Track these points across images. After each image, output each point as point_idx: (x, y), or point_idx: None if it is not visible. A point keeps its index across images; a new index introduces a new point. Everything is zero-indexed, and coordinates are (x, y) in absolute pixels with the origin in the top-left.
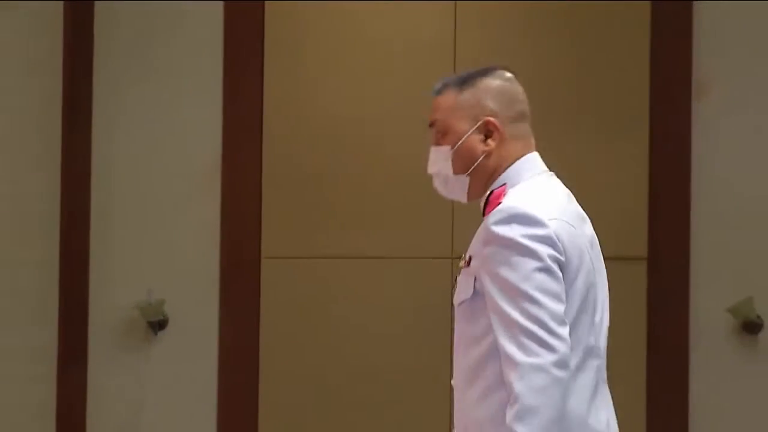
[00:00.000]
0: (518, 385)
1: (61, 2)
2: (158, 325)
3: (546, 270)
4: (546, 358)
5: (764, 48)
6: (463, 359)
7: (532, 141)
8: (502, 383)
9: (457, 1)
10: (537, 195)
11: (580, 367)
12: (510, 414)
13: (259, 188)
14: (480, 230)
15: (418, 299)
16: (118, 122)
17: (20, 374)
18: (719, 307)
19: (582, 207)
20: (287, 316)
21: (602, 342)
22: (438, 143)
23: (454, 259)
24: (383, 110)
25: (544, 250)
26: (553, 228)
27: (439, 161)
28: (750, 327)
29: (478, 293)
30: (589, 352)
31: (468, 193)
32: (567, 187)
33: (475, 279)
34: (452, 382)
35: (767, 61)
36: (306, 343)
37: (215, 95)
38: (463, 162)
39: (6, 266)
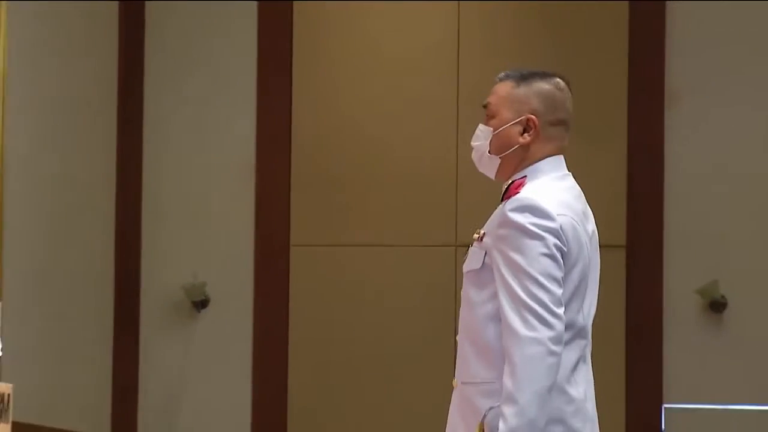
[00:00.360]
0: (517, 355)
1: (116, 2)
2: (201, 304)
3: (550, 257)
4: (544, 333)
5: (729, 53)
6: (467, 318)
7: (563, 144)
8: (499, 342)
9: (461, 2)
10: (550, 192)
11: (566, 345)
12: (508, 380)
13: (288, 184)
14: (497, 213)
15: (426, 281)
16: (166, 119)
17: (82, 344)
18: (689, 289)
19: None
20: (312, 296)
21: (589, 325)
22: (486, 122)
23: (458, 246)
24: (395, 110)
25: (550, 239)
26: (560, 222)
27: (481, 138)
28: (715, 306)
29: (486, 266)
30: (577, 333)
31: (496, 172)
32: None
33: (485, 254)
34: (457, 337)
35: (732, 68)
36: (329, 319)
37: (250, 95)
38: (499, 145)
39: (68, 253)
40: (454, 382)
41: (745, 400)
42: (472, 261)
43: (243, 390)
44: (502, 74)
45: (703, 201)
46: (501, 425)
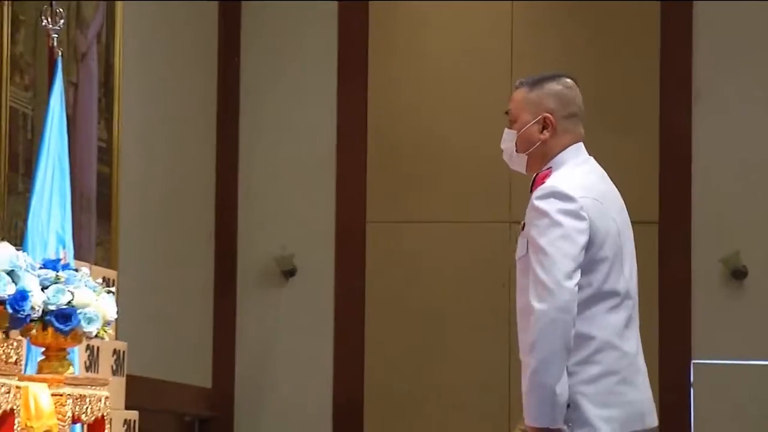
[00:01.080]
0: (531, 325)
1: (216, 2)
2: (289, 273)
3: (565, 236)
4: (550, 304)
5: (751, 50)
6: (519, 302)
7: (580, 133)
8: None
9: (513, 2)
10: (572, 177)
11: (616, 307)
12: (525, 348)
13: (364, 168)
14: (529, 204)
15: (483, 254)
16: (260, 109)
17: (187, 308)
18: (714, 259)
19: (613, 178)
20: (385, 267)
21: (633, 288)
22: (510, 127)
23: (512, 223)
24: (456, 99)
25: (570, 222)
26: (582, 203)
27: (508, 141)
28: (737, 274)
29: (528, 252)
30: (624, 297)
31: (526, 167)
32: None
33: (527, 241)
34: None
35: (754, 62)
36: (399, 285)
37: (331, 87)
38: (523, 144)
39: (175, 229)
40: (521, 356)
41: (762, 357)
42: (519, 249)
43: (326, 347)
44: (517, 82)
45: (726, 182)
46: (523, 386)
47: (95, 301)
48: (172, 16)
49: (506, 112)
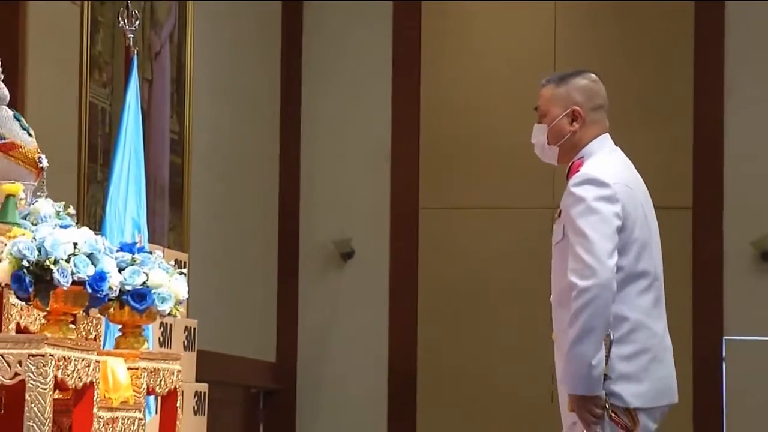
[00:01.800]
0: (573, 303)
1: (279, 2)
2: (347, 255)
3: (603, 220)
4: (592, 281)
5: None
6: (557, 284)
7: (606, 125)
8: None
9: (557, 2)
10: (605, 165)
11: (647, 289)
12: (569, 322)
13: (417, 158)
14: (566, 191)
15: (528, 238)
16: (320, 102)
17: (253, 288)
18: (745, 242)
19: (646, 170)
20: (437, 251)
21: (659, 270)
22: (539, 122)
23: (554, 209)
24: (503, 93)
25: (605, 206)
26: (615, 189)
27: (539, 135)
28: (766, 256)
29: (566, 237)
30: (654, 278)
31: (557, 158)
32: (638, 156)
33: (563, 227)
34: (550, 299)
35: None
36: (449, 266)
37: (386, 81)
38: (554, 137)
39: (241, 215)
40: (553, 335)
41: None
42: (556, 235)
43: (381, 325)
44: (544, 80)
45: (756, 169)
46: (565, 358)
47: (168, 281)
48: (239, 16)
49: (535, 109)
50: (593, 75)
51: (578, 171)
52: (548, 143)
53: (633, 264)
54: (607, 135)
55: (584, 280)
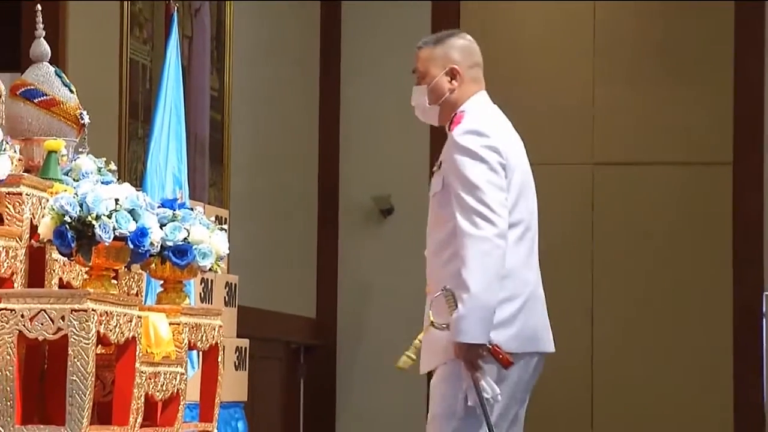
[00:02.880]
0: (468, 251)
1: (317, 2)
2: (387, 211)
3: (492, 169)
4: (489, 230)
5: None
6: (435, 234)
7: (483, 82)
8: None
9: (596, 2)
10: (486, 118)
11: (520, 237)
12: (463, 271)
13: None
14: (448, 141)
15: (567, 195)
16: (360, 60)
17: (292, 244)
18: None
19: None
20: None
21: (534, 221)
22: (418, 83)
23: (594, 165)
24: (543, 90)
25: (491, 155)
26: (497, 140)
27: (419, 96)
28: None
29: (446, 187)
30: (527, 228)
31: (438, 118)
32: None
33: (443, 178)
34: (425, 252)
35: None
36: None
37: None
38: (434, 96)
39: (282, 174)
40: (427, 288)
41: None
42: (435, 185)
43: (419, 281)
44: (420, 42)
45: None
46: (459, 307)
47: (209, 237)
48: (278, 14)
49: (413, 71)
50: (468, 35)
51: (460, 123)
52: (428, 103)
53: (510, 212)
54: (485, 91)
55: (480, 229)
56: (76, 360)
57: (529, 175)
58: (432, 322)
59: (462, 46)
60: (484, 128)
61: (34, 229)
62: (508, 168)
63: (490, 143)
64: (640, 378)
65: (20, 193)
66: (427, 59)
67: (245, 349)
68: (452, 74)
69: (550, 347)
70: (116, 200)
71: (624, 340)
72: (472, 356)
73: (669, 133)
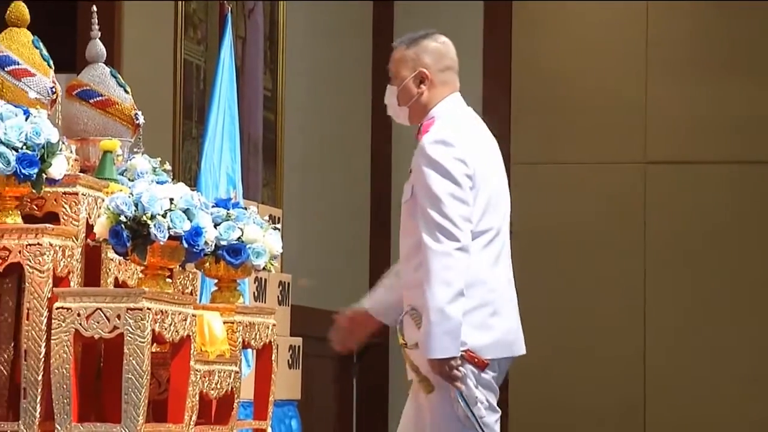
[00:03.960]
0: (430, 266)
1: (371, 2)
2: None
3: (456, 183)
4: (450, 246)
5: None
6: (405, 240)
7: (457, 85)
8: None
9: (648, 3)
10: (455, 125)
11: (487, 244)
12: (425, 286)
13: (508, 114)
14: (417, 150)
15: (619, 193)
16: None
17: (345, 244)
18: None
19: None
20: (530, 205)
21: (505, 224)
22: (390, 83)
23: (647, 164)
24: (596, 93)
25: (457, 167)
26: (465, 150)
27: (390, 96)
28: None
29: (414, 195)
30: (497, 233)
31: (409, 119)
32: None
33: (412, 186)
34: (400, 260)
35: None
36: (541, 223)
37: (477, 68)
38: (404, 98)
39: (336, 176)
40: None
41: None
42: (405, 194)
43: None
44: (395, 42)
45: None
46: (424, 323)
47: (262, 236)
48: (332, 12)
49: (388, 71)
50: (443, 37)
51: (428, 131)
52: (398, 104)
53: (477, 221)
54: (458, 94)
55: (440, 243)
56: (131, 358)
57: (502, 178)
58: (403, 343)
59: (434, 49)
60: (452, 138)
61: (90, 228)
62: (475, 177)
63: (456, 154)
64: (694, 380)
65: (76, 193)
66: (399, 60)
67: (299, 347)
68: (421, 78)
69: (522, 350)
70: (171, 200)
71: (677, 341)
72: (448, 369)
73: (723, 132)
